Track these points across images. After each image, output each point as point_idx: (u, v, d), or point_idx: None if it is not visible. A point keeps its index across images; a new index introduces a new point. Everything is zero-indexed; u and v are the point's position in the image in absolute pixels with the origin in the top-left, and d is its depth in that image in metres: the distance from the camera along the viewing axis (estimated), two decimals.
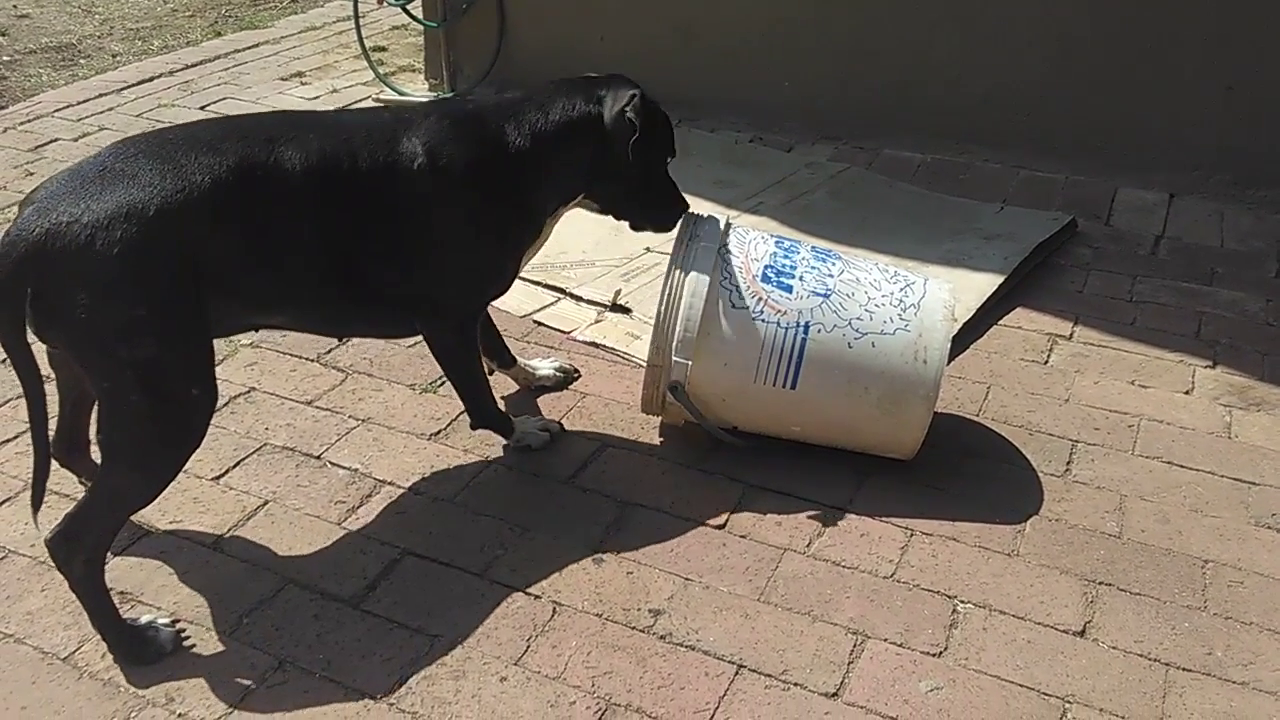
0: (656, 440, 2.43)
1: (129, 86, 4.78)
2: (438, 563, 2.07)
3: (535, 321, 2.91)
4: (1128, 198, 3.60)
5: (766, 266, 2.22)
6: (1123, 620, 1.94)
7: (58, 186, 1.73)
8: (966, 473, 2.32)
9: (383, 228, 2.00)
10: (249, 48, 5.36)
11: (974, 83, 3.82)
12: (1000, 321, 2.90)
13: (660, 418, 2.43)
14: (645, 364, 2.27)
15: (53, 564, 1.81)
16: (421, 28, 4.74)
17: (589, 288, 3.02)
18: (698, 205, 2.31)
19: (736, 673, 1.83)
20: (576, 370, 2.66)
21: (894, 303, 2.22)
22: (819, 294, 2.20)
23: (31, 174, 3.80)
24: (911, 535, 2.14)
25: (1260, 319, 2.93)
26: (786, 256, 2.25)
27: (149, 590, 1.99)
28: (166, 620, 1.89)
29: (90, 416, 1.97)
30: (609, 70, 2.23)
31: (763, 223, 3.33)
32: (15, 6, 6.15)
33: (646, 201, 2.28)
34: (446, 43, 4.61)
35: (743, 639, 1.89)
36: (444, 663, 1.85)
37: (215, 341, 1.87)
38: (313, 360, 2.73)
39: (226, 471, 2.31)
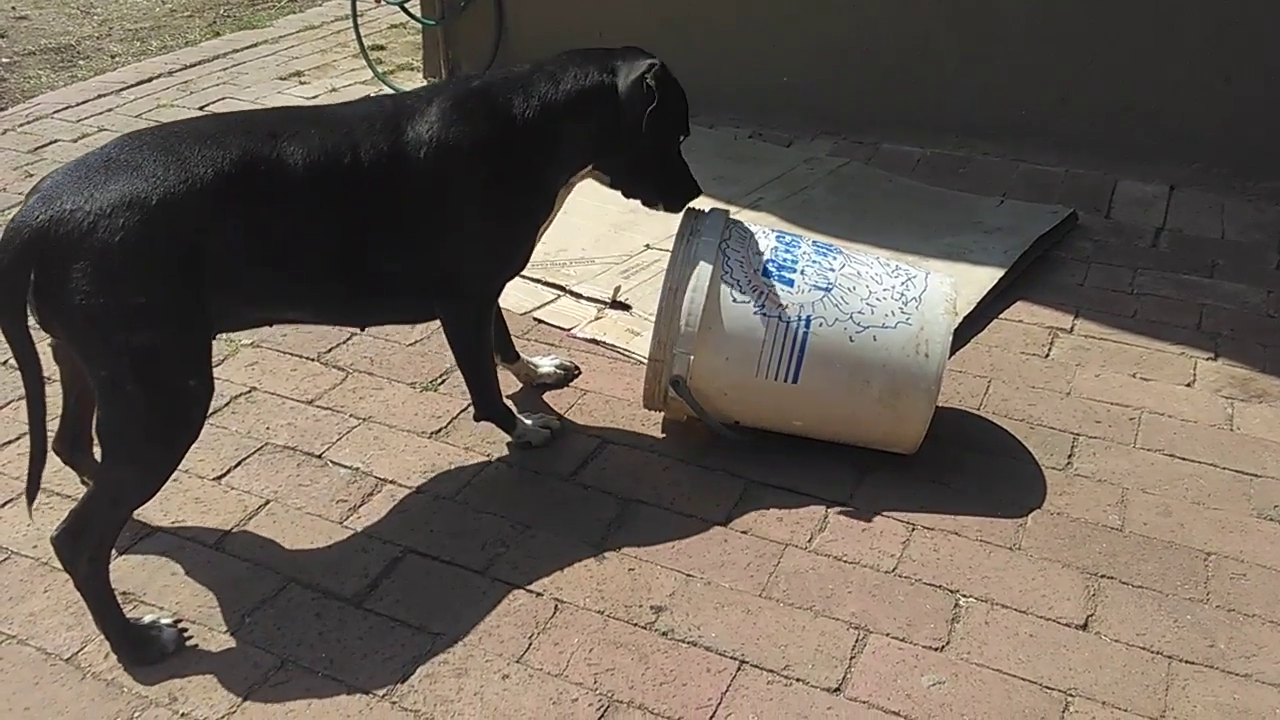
0: (657, 437, 2.43)
1: (128, 87, 4.78)
2: (439, 561, 2.07)
3: (535, 319, 2.91)
4: (1128, 190, 3.59)
5: (768, 260, 2.22)
6: (1125, 613, 1.94)
7: (63, 176, 1.74)
8: (968, 467, 2.32)
9: (396, 216, 1.99)
10: (247, 47, 5.36)
11: (973, 76, 3.82)
12: (1001, 315, 2.90)
13: (661, 413, 2.44)
14: (646, 360, 2.27)
15: (57, 564, 1.82)
16: (420, 26, 4.74)
17: (589, 285, 3.02)
18: (697, 201, 2.31)
19: (739, 669, 1.83)
20: (577, 367, 2.66)
21: (895, 296, 2.22)
22: (820, 288, 2.20)
23: (31, 175, 3.80)
24: (913, 530, 2.14)
25: (1261, 310, 2.92)
26: (788, 251, 2.25)
27: (151, 590, 2.00)
28: (169, 620, 1.90)
29: (93, 414, 1.97)
30: None
31: (762, 218, 3.32)
32: (14, 8, 6.15)
33: (659, 178, 2.26)
34: (445, 41, 4.62)
35: (745, 635, 1.89)
36: (446, 661, 1.85)
37: (214, 341, 1.87)
38: (313, 359, 2.73)
39: (228, 471, 2.31)
